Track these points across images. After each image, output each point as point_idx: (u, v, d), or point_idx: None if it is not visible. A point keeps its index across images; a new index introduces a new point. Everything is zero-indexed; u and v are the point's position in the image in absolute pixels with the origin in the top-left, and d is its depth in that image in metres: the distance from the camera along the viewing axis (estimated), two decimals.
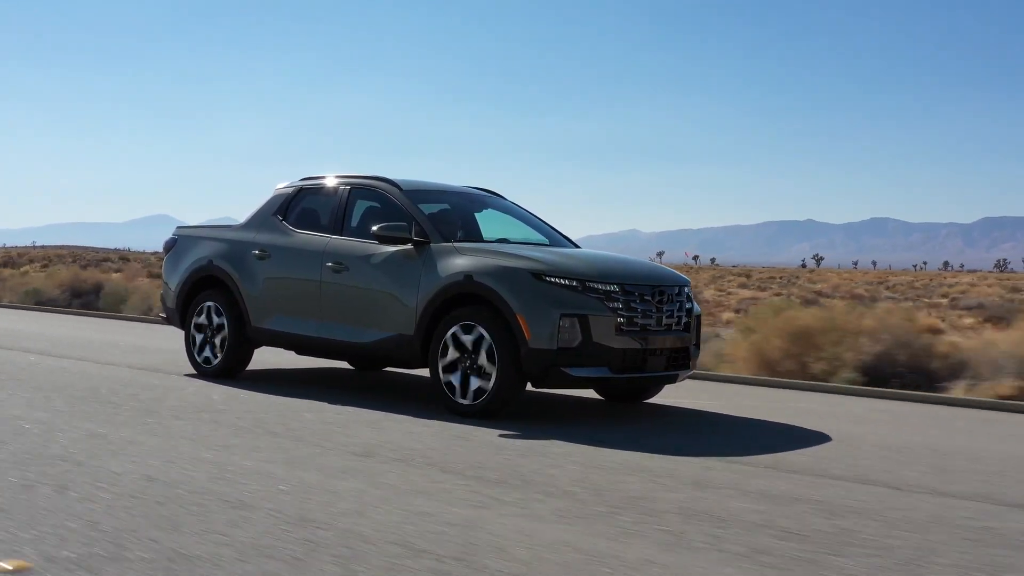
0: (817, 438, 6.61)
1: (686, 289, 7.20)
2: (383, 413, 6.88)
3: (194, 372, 8.57)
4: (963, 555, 3.83)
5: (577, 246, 8.34)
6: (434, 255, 7.14)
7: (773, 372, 10.09)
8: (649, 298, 6.85)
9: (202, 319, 8.46)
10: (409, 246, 7.28)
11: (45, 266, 40.41)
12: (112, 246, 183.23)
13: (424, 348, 7.04)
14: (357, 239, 7.68)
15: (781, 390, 9.53)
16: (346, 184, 8.08)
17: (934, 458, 6.05)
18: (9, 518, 3.79)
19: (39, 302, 18.54)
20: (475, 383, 6.70)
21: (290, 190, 8.44)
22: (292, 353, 8.96)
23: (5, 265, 42.90)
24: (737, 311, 21.66)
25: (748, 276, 63.79)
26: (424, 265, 7.14)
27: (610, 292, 6.68)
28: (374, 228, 7.37)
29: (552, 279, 6.65)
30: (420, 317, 7.03)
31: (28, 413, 6.27)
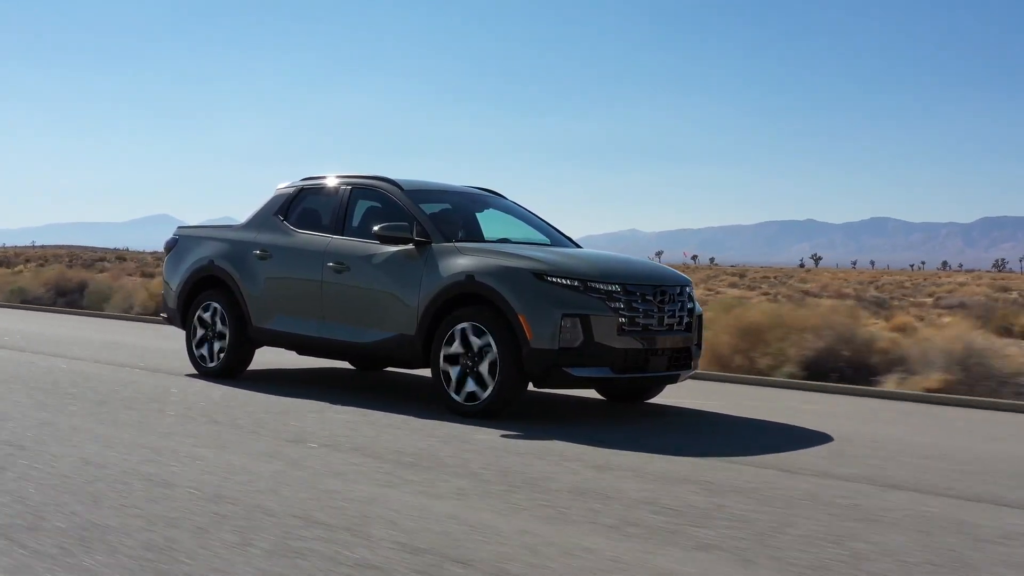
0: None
1: (688, 289, 7.22)
2: (324, 404, 7.22)
3: (195, 372, 8.60)
4: (817, 527, 4.18)
5: (578, 246, 8.38)
6: (435, 255, 7.17)
7: (724, 368, 10.44)
8: (651, 298, 6.86)
9: (203, 319, 8.47)
10: (410, 246, 7.31)
11: (41, 265, 40.74)
12: (112, 246, 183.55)
13: (425, 348, 7.06)
14: (358, 239, 7.70)
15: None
16: (347, 184, 8.11)
17: (838, 445, 6.39)
18: None
19: (25, 300, 18.92)
20: (477, 383, 6.72)
21: (291, 190, 8.47)
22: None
23: (0, 265, 43.31)
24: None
25: (742, 276, 64.10)
26: (425, 265, 7.17)
27: (612, 292, 6.70)
28: (375, 228, 7.40)
29: (554, 279, 6.68)
30: (421, 317, 7.05)
31: None
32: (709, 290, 37.64)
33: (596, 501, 4.50)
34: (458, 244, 7.26)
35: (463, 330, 6.79)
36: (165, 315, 9.21)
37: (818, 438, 6.62)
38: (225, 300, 8.35)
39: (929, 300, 32.57)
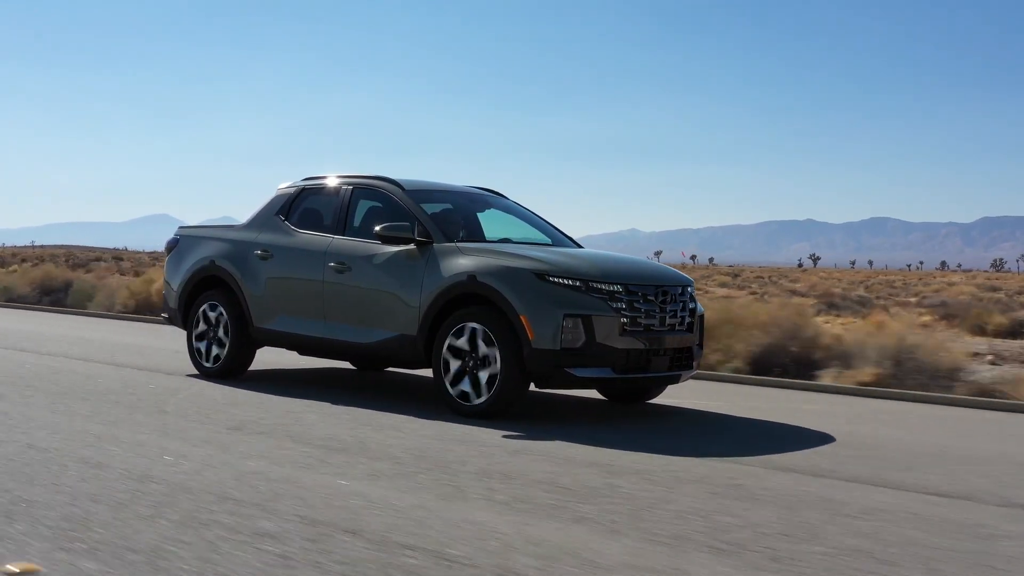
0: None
1: (689, 289, 7.24)
2: (266, 395, 7.58)
3: (196, 372, 8.67)
4: (693, 503, 4.54)
5: (580, 246, 8.41)
6: (437, 255, 7.21)
7: None
8: (652, 298, 6.88)
9: (204, 320, 8.51)
10: (412, 246, 7.35)
11: (35, 265, 41.09)
12: (112, 246, 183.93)
13: (427, 348, 7.09)
14: (360, 239, 7.73)
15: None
16: (348, 184, 8.14)
17: (748, 434, 6.74)
18: None
19: (10, 299, 19.30)
20: (479, 383, 6.76)
21: (292, 190, 8.51)
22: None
23: None
24: None
25: (735, 276, 64.47)
26: (427, 265, 7.21)
27: (613, 292, 6.73)
28: (377, 228, 7.44)
29: (555, 279, 6.71)
30: (423, 317, 7.09)
31: None
32: (699, 290, 37.97)
33: (498, 481, 4.85)
34: (459, 244, 7.31)
35: (464, 330, 6.83)
36: (166, 315, 9.21)
37: (738, 428, 6.97)
38: (226, 300, 8.39)
39: (914, 300, 32.94)
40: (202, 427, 6.09)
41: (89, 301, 18.02)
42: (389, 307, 7.34)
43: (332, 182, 8.29)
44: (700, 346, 7.41)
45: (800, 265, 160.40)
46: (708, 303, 10.76)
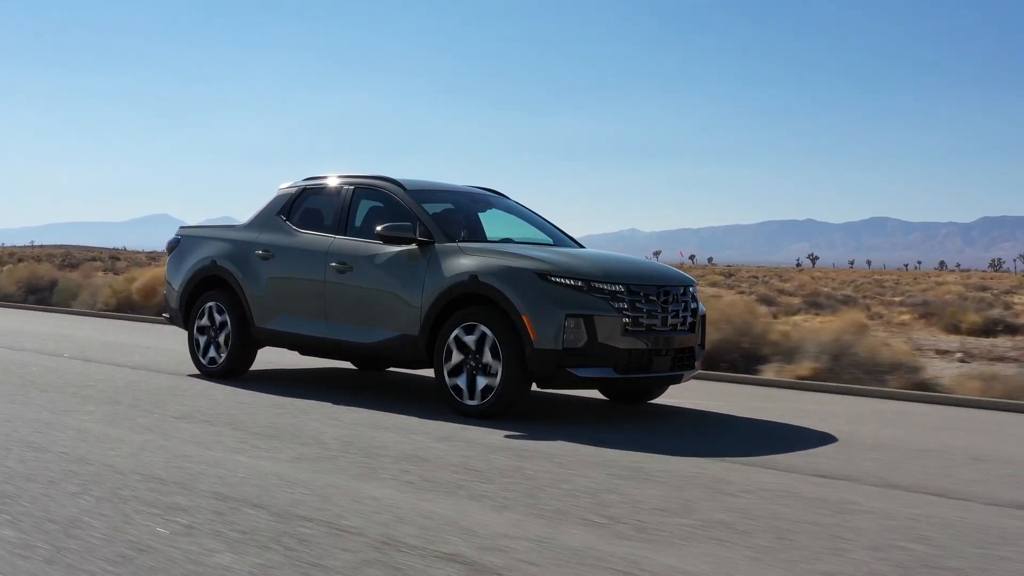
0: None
1: (691, 289, 7.25)
2: (212, 383, 7.93)
3: (197, 372, 8.71)
4: (588, 483, 4.88)
5: (581, 246, 8.43)
6: (438, 255, 7.24)
7: None
8: (654, 298, 6.90)
9: (205, 320, 8.53)
10: (413, 246, 7.37)
11: (26, 263, 41.42)
12: (112, 246, 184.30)
13: (429, 348, 7.13)
14: (361, 239, 7.75)
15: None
16: (350, 184, 8.16)
17: (676, 422, 7.09)
18: None
19: None
20: (480, 383, 6.77)
21: (293, 190, 8.52)
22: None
23: None
24: None
25: (728, 276, 64.84)
26: (428, 265, 7.23)
27: (615, 292, 6.75)
28: (378, 228, 7.47)
29: (557, 279, 6.73)
30: (425, 317, 7.11)
31: None
32: None
33: (412, 464, 5.20)
34: (461, 244, 7.34)
35: (467, 328, 6.86)
36: (167, 315, 9.22)
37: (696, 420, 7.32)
38: (227, 300, 8.41)
39: (898, 299, 33.31)
40: (149, 416, 6.44)
41: (74, 300, 18.38)
42: (390, 307, 7.38)
43: (333, 182, 8.33)
44: (702, 346, 7.45)
45: (799, 265, 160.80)
46: None
